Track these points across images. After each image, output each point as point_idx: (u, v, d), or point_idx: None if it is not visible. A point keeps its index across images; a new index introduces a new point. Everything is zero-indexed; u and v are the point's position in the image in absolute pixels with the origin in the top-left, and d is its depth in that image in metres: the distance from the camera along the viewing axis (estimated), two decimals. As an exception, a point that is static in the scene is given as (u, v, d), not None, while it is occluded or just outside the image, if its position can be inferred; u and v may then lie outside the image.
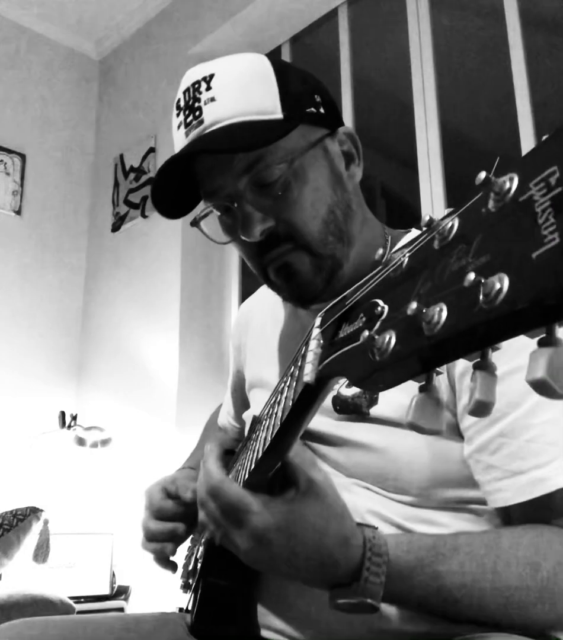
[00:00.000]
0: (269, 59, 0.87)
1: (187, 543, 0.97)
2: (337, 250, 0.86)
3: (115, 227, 3.27)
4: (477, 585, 0.70)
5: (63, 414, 2.92)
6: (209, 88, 0.84)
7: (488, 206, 0.29)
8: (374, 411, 0.82)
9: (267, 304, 1.08)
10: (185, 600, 0.98)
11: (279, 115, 0.82)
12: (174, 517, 0.88)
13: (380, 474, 0.82)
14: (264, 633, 0.85)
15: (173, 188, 0.89)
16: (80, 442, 2.79)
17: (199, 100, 0.84)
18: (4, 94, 3.33)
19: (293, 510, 0.65)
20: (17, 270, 3.21)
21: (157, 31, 3.35)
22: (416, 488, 0.80)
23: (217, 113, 0.82)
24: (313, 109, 0.86)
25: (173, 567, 0.83)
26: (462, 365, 0.78)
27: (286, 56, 3.01)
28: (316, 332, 0.47)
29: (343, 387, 0.86)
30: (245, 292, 2.91)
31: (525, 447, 0.74)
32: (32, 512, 2.22)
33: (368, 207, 0.96)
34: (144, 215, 3.10)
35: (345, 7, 2.80)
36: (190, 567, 0.98)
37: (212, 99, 0.83)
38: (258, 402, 1.02)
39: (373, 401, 0.82)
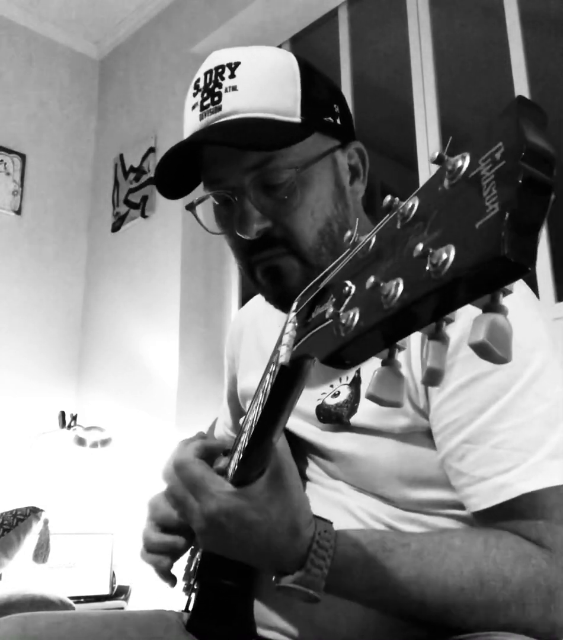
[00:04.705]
0: (297, 59, 0.86)
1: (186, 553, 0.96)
2: (328, 263, 0.86)
3: (115, 227, 3.28)
4: (422, 586, 0.70)
5: (63, 414, 2.92)
6: (232, 76, 0.82)
7: (443, 184, 0.30)
8: (354, 420, 0.82)
9: (260, 313, 1.08)
10: (184, 601, 0.98)
11: (297, 118, 0.81)
12: (178, 528, 0.83)
13: (364, 480, 0.83)
14: (263, 632, 0.85)
15: (175, 169, 0.87)
16: (80, 442, 2.79)
17: (220, 85, 0.82)
18: (4, 94, 3.34)
19: (247, 496, 0.66)
20: (17, 270, 3.22)
21: (157, 31, 3.36)
22: (399, 493, 0.81)
23: (237, 103, 0.81)
24: (330, 119, 0.86)
25: (172, 580, 0.82)
26: None
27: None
28: (292, 315, 0.48)
29: (328, 397, 0.86)
30: (245, 292, 2.92)
31: (490, 453, 0.73)
32: (32, 512, 2.22)
33: (369, 207, 0.95)
34: (144, 215, 3.11)
35: (345, 7, 2.80)
36: (192, 568, 0.98)
37: (234, 88, 0.81)
38: None
39: (353, 410, 0.83)
